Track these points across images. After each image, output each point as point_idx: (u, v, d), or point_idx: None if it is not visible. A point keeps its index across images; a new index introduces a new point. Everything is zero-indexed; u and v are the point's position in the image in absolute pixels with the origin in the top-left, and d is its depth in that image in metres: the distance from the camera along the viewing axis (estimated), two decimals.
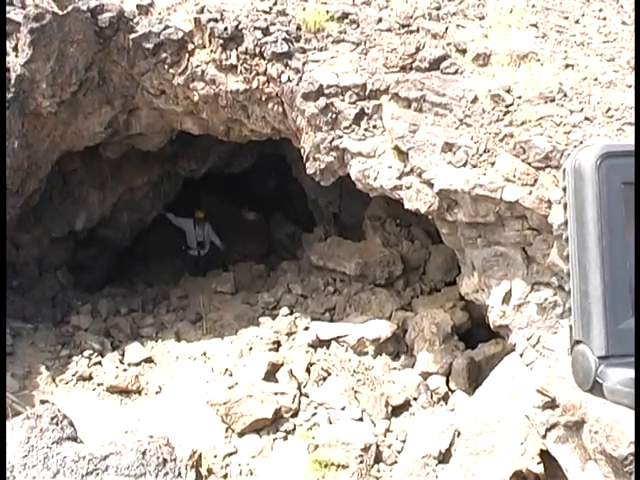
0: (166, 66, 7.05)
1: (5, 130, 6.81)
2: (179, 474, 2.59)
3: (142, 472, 2.49)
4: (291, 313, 8.17)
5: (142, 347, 7.75)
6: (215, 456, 6.05)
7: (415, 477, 5.11)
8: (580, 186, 0.86)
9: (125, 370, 7.24)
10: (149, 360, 7.53)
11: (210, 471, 5.85)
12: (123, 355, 7.58)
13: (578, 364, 0.83)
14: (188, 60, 7.03)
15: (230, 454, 6.08)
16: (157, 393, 7.04)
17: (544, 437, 4.65)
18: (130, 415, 6.60)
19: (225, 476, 5.88)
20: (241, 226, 12.07)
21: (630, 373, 0.80)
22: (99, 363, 7.37)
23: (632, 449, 3.83)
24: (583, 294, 0.82)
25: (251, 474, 5.93)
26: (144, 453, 2.55)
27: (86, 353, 7.43)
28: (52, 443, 2.55)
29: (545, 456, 4.93)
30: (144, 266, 11.41)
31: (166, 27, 6.95)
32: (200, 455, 5.78)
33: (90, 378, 7.13)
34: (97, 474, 2.44)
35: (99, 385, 7.03)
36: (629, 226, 0.84)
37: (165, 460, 2.57)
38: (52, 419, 2.61)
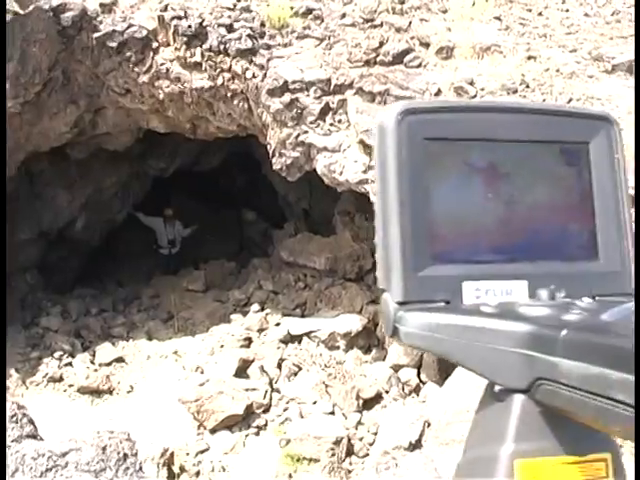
0: (131, 65, 7.01)
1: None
2: (140, 469, 2.59)
3: (102, 467, 2.48)
4: (262, 309, 8.19)
5: (113, 347, 7.72)
6: (187, 454, 6.04)
7: (384, 468, 5.13)
8: (383, 143, 0.86)
9: (96, 370, 7.21)
10: (120, 360, 7.51)
11: (182, 469, 5.84)
12: (94, 355, 7.55)
13: (382, 312, 0.84)
14: (153, 58, 7.01)
15: (202, 451, 6.08)
16: (129, 392, 7.02)
17: None
18: (101, 415, 6.57)
19: (197, 473, 5.87)
20: (211, 224, 12.04)
21: (426, 317, 0.81)
22: (70, 364, 7.33)
23: None
24: (385, 245, 0.84)
25: (223, 470, 5.93)
26: (104, 449, 2.55)
27: (56, 354, 7.39)
28: (11, 441, 2.53)
29: None
30: (115, 266, 11.35)
31: (130, 25, 6.92)
32: (172, 453, 5.77)
33: (61, 379, 7.09)
34: (56, 470, 2.43)
35: (70, 386, 7.00)
36: (433, 179, 0.85)
37: (126, 455, 2.57)
38: (11, 417, 2.60)
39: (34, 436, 2.70)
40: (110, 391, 6.99)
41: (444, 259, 0.87)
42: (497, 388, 0.76)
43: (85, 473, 2.47)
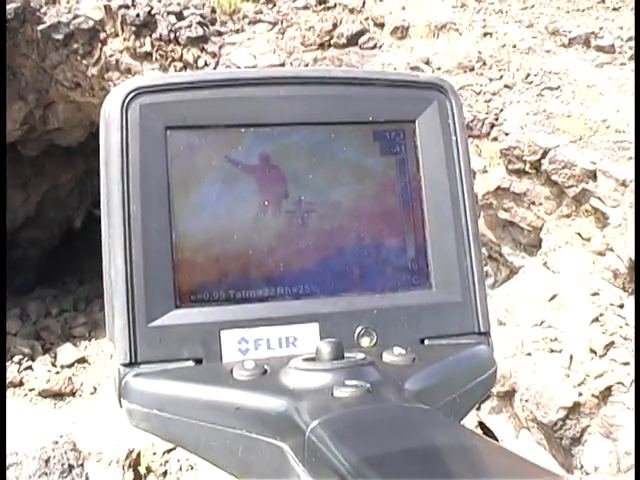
0: (79, 57, 6.84)
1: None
2: (86, 479, 2.49)
3: None
4: None
5: (75, 348, 7.59)
6: (154, 453, 5.94)
7: None
8: (107, 137, 0.63)
9: (58, 373, 7.08)
10: (83, 360, 7.39)
11: (149, 469, 5.74)
12: (55, 357, 7.42)
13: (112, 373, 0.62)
14: (101, 50, 6.84)
15: (169, 450, 5.97)
16: (92, 394, 6.90)
17: (479, 409, 4.65)
18: (65, 419, 6.45)
19: (165, 473, 5.78)
20: None
21: (155, 386, 0.59)
22: (30, 368, 7.18)
23: (562, 414, 3.85)
24: (109, 279, 0.61)
25: (192, 469, 5.85)
26: (47, 461, 2.45)
27: (16, 358, 7.24)
28: None
29: (484, 428, 4.95)
30: (76, 264, 11.16)
31: (75, 16, 6.74)
32: (139, 453, 5.67)
33: (21, 384, 6.95)
34: None
35: (31, 390, 6.86)
36: (180, 185, 0.63)
37: (71, 466, 2.47)
38: None
39: None
40: (73, 393, 6.87)
41: (194, 299, 0.65)
42: None
43: None
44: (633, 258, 3.86)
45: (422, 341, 0.68)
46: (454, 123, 0.72)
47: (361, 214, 0.69)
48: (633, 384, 3.53)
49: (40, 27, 6.74)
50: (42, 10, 6.76)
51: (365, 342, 0.67)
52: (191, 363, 0.63)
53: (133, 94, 0.65)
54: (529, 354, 4.04)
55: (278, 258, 0.67)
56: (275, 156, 0.68)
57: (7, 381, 6.93)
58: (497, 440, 4.60)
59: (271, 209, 0.67)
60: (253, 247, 0.66)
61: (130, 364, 0.62)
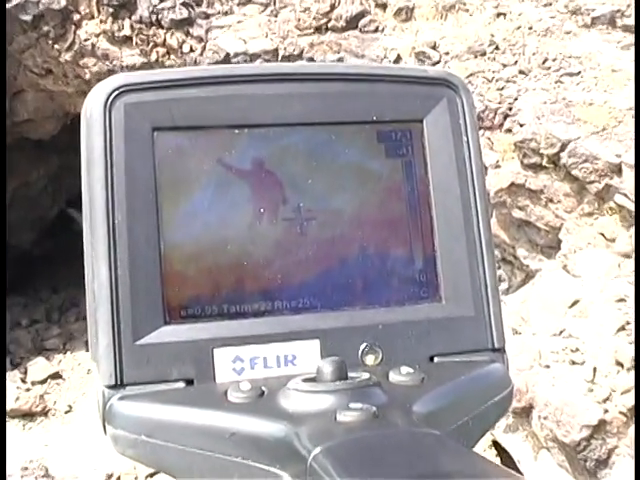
0: (50, 41, 6.84)
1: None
2: None
3: None
4: None
5: (47, 362, 7.58)
6: (135, 478, 5.95)
7: None
8: (89, 139, 0.64)
9: (28, 390, 7.06)
10: (56, 376, 7.37)
11: None
12: (25, 373, 7.39)
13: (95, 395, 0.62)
14: (75, 33, 6.84)
15: (152, 475, 5.97)
16: (67, 413, 6.89)
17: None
18: (36, 441, 6.44)
19: None
20: None
21: (142, 410, 0.59)
22: None
23: (585, 434, 3.86)
24: (92, 293, 0.62)
25: None
26: None
27: None
28: None
29: (498, 448, 4.96)
30: (49, 270, 11.15)
31: None
32: (118, 478, 5.68)
33: None
34: None
35: None
36: (169, 191, 0.63)
37: None
38: None
39: None
40: (45, 413, 6.85)
41: (185, 315, 0.66)
42: None
43: None
44: None
45: (431, 359, 0.69)
46: (465, 122, 0.74)
47: (365, 222, 0.70)
48: None
49: (6, 6, 6.75)
50: None
51: (370, 360, 0.68)
52: (182, 384, 0.64)
53: (117, 92, 0.65)
54: (548, 366, 4.05)
55: (275, 269, 0.67)
56: (272, 159, 0.69)
57: None
58: (514, 462, 4.61)
59: (267, 217, 0.68)
60: (248, 258, 0.67)
61: (115, 386, 0.62)
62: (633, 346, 3.78)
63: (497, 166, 5.19)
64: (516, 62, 5.80)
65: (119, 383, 0.62)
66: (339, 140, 0.70)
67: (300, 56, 6.20)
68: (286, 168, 0.69)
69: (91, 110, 0.65)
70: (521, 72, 5.69)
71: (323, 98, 0.70)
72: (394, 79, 0.73)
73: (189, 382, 0.64)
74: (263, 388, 0.61)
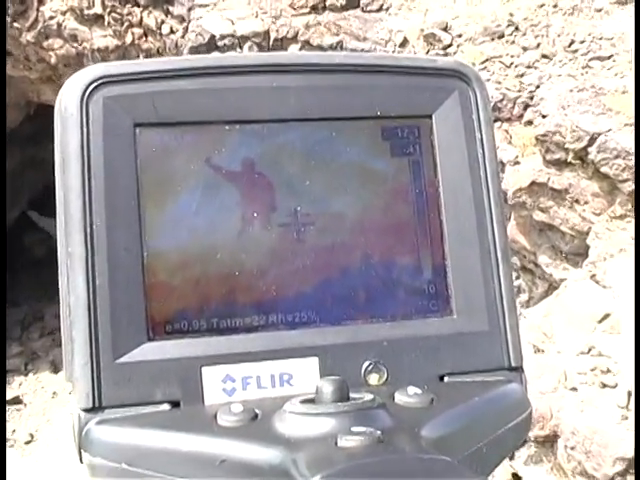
0: (9, 19, 6.85)
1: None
2: None
3: None
4: None
5: (6, 385, 7.57)
6: None
7: None
8: (64, 135, 0.65)
9: None
10: (16, 401, 7.36)
11: None
12: None
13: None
14: (38, 10, 6.85)
15: None
16: (28, 443, 6.87)
17: (512, 458, 4.67)
18: None
19: None
20: None
21: (121, 435, 0.59)
22: None
23: (619, 468, 3.85)
24: (67, 307, 0.62)
25: None
26: None
27: None
28: None
29: None
30: (10, 280, 11.15)
31: None
32: None
33: None
34: None
35: None
36: (152, 194, 0.64)
37: None
38: None
39: None
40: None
41: (170, 330, 0.66)
42: None
43: None
44: None
45: (441, 378, 0.70)
46: (478, 117, 0.74)
47: (368, 227, 0.71)
48: None
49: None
50: None
51: (374, 380, 0.69)
52: (167, 407, 0.65)
53: (96, 84, 0.66)
54: (574, 389, 4.05)
55: (270, 280, 0.68)
56: (266, 159, 0.70)
57: None
58: None
59: (261, 222, 0.69)
60: (240, 267, 0.68)
61: (93, 409, 0.63)
62: None
63: (516, 162, 5.20)
64: (538, 45, 5.79)
65: (97, 405, 0.63)
66: (340, 137, 0.71)
67: (295, 39, 6.19)
68: (281, 168, 0.70)
69: (66, 104, 0.66)
70: (544, 56, 5.68)
71: (322, 91, 0.71)
72: (400, 70, 0.74)
73: (175, 404, 0.65)
74: (256, 410, 0.62)
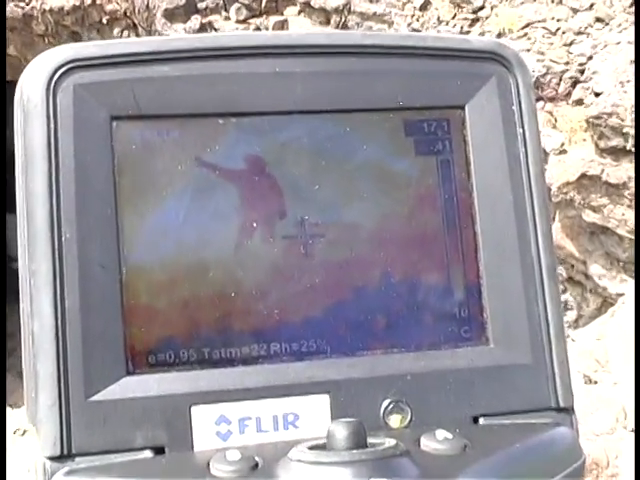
0: None
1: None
2: None
3: None
4: None
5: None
6: None
7: None
8: (27, 130, 0.64)
9: None
10: None
11: None
12: None
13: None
14: None
15: None
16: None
17: None
18: None
19: None
20: None
21: None
22: None
23: None
24: (30, 336, 0.63)
25: None
26: None
27: None
28: None
29: None
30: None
31: None
32: None
33: None
34: None
35: None
36: (132, 200, 0.63)
37: None
38: None
39: None
40: None
41: (153, 362, 0.66)
42: None
43: None
44: None
45: (475, 420, 0.70)
46: (520, 109, 0.73)
47: (388, 240, 0.71)
48: None
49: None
50: None
51: (395, 422, 0.68)
52: (149, 453, 0.64)
53: (64, 69, 0.65)
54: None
55: (272, 303, 0.68)
56: (267, 158, 0.69)
57: None
58: None
59: (262, 233, 0.68)
60: (237, 287, 0.67)
61: (61, 457, 0.62)
62: None
63: (562, 151, 5.18)
64: (591, 6, 5.71)
65: (66, 453, 0.62)
66: (354, 133, 0.71)
67: (292, 0, 6.12)
68: (286, 170, 0.69)
69: (29, 93, 0.66)
70: (598, 20, 5.62)
71: (333, 78, 0.70)
72: (427, 52, 0.73)
73: (159, 451, 0.64)
74: (257, 458, 0.61)
